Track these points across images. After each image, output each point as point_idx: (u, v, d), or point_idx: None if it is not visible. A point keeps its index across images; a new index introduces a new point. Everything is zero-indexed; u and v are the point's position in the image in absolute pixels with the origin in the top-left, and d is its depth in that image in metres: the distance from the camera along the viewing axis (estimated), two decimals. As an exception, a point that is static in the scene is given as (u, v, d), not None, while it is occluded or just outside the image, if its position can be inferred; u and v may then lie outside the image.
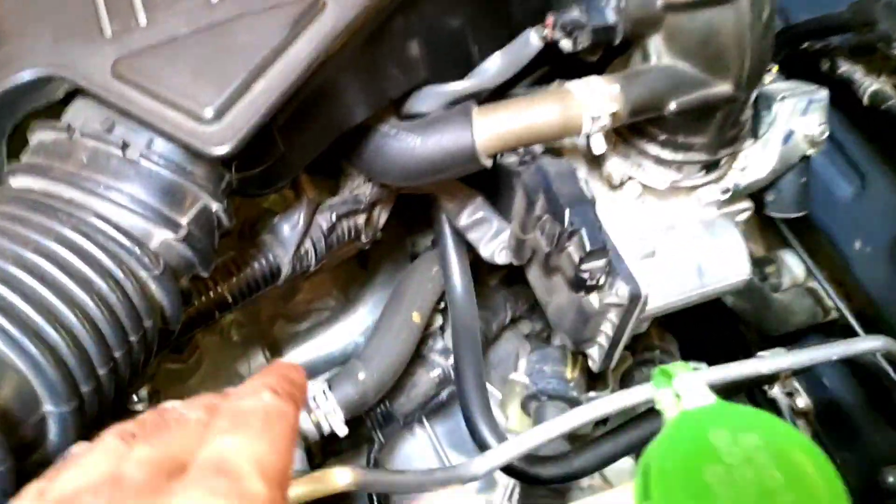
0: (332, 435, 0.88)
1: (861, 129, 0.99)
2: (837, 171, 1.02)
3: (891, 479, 1.07)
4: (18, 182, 0.59)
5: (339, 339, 1.00)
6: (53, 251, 0.53)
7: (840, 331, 1.12)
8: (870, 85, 0.92)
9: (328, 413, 0.88)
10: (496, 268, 1.11)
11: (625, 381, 1.12)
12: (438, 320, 1.04)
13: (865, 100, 0.92)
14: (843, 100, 0.96)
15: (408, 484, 0.63)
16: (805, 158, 0.88)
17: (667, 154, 0.80)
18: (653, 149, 0.80)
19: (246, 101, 0.58)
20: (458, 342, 0.88)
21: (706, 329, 1.13)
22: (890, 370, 0.94)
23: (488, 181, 0.86)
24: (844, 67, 0.95)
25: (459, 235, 0.88)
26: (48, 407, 0.51)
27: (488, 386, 0.98)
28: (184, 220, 0.59)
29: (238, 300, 0.73)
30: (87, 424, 0.53)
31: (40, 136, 0.62)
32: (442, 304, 1.02)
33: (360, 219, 0.78)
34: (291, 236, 0.73)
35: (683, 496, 0.39)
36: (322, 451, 0.96)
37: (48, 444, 0.52)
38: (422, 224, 1.09)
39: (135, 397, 0.89)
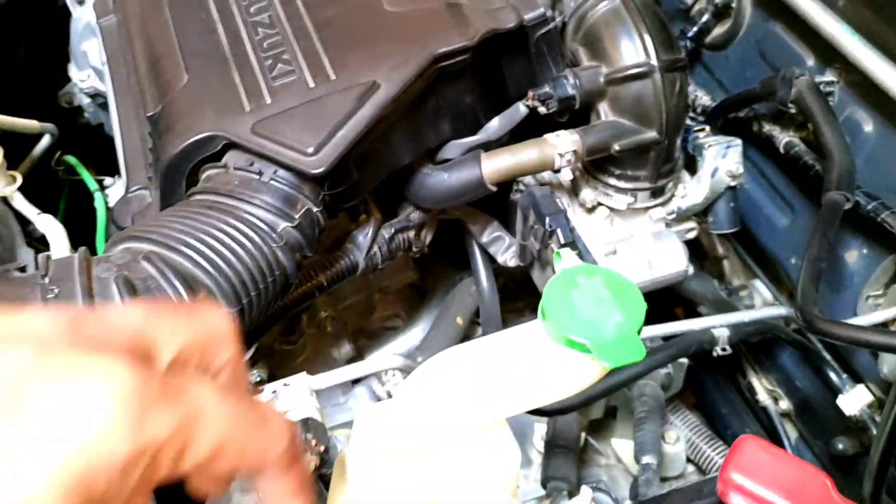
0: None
1: (787, 173, 1.33)
2: (776, 207, 1.35)
3: (839, 446, 1.34)
4: (198, 197, 0.98)
5: (405, 345, 1.35)
6: (225, 229, 0.91)
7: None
8: (783, 138, 1.27)
9: (397, 384, 1.22)
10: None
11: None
12: (478, 331, 1.38)
13: (781, 149, 1.27)
14: (773, 152, 1.30)
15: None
16: (731, 188, 1.22)
17: (622, 183, 1.15)
18: (612, 180, 1.16)
19: (332, 143, 0.96)
20: (485, 325, 1.22)
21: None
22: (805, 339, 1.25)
23: (502, 211, 1.22)
24: (767, 127, 1.30)
25: (483, 249, 1.23)
26: (225, 309, 0.88)
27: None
28: (297, 216, 0.96)
29: (331, 285, 1.10)
30: (247, 326, 0.90)
31: (208, 172, 1.01)
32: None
33: (411, 234, 1.15)
34: (364, 242, 1.11)
35: (559, 308, 0.73)
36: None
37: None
38: (465, 264, 1.45)
39: (256, 376, 1.26)
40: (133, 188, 1.15)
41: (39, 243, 1.15)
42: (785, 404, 1.52)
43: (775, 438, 1.51)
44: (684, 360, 1.34)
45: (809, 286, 1.03)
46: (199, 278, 0.87)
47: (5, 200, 1.12)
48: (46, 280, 0.84)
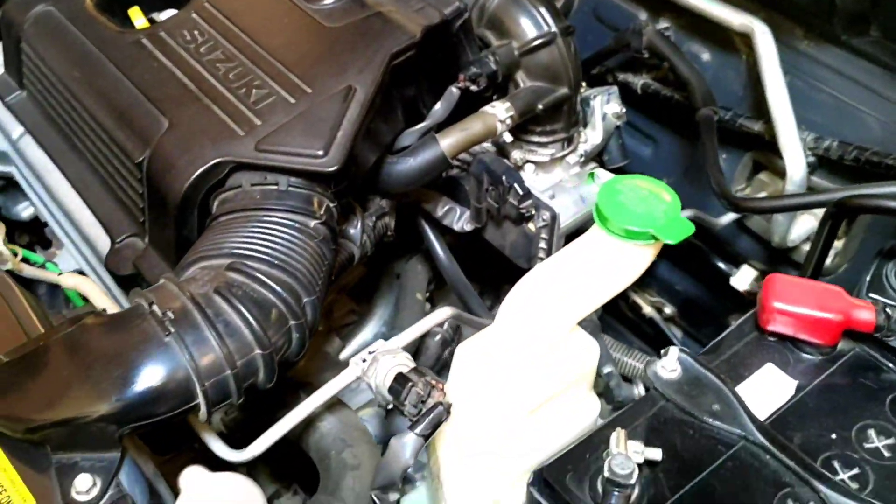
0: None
1: (644, 111, 1.59)
2: (639, 141, 1.62)
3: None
4: (228, 217, 1.06)
5: (371, 334, 1.48)
6: (277, 232, 1.01)
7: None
8: (638, 81, 1.53)
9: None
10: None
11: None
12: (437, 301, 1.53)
13: (639, 90, 1.53)
14: (629, 95, 1.56)
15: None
16: (617, 128, 1.46)
17: (543, 139, 1.36)
18: (535, 138, 1.36)
19: (336, 142, 1.08)
20: (455, 287, 1.38)
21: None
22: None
23: (448, 189, 1.38)
24: (621, 76, 1.56)
25: (435, 225, 1.39)
26: (305, 298, 0.98)
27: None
28: (320, 212, 1.07)
29: (336, 279, 1.21)
30: (320, 312, 1.00)
31: (222, 196, 1.09)
32: (427, 294, 1.51)
33: (385, 220, 1.29)
34: (356, 234, 1.23)
35: (614, 210, 0.91)
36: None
37: (309, 323, 0.98)
38: (399, 259, 1.57)
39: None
40: (119, 238, 1.20)
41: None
42: (669, 310, 1.80)
43: (664, 340, 1.78)
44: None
45: (720, 178, 1.28)
46: (281, 277, 0.97)
47: (13, 273, 1.13)
48: (155, 307, 0.91)
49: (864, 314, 0.92)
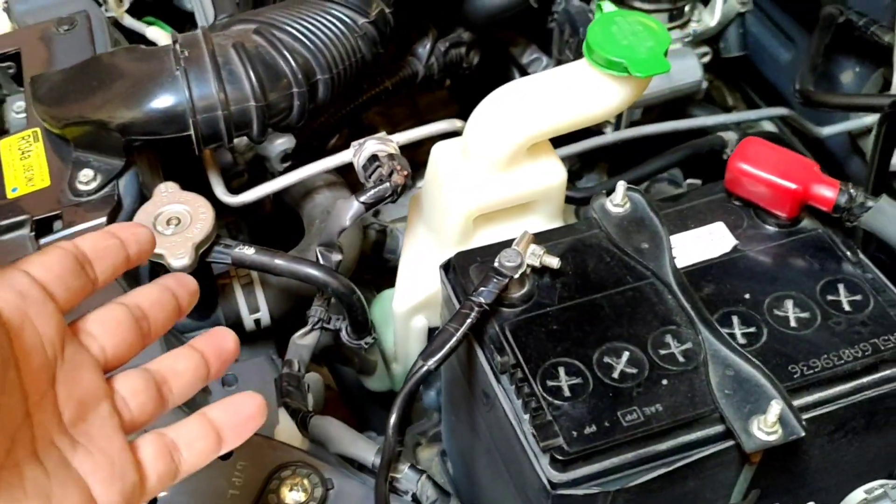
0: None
1: (787, 9, 1.50)
2: (778, 43, 1.53)
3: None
4: (289, -1, 1.16)
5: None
6: (318, 17, 1.09)
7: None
8: (784, -27, 1.45)
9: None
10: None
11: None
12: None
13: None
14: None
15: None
16: (740, 14, 1.40)
17: (645, 6, 1.33)
18: (636, 3, 1.34)
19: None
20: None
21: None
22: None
23: (538, 39, 1.40)
24: (770, -33, 1.48)
25: (522, 72, 1.41)
26: (318, 76, 1.06)
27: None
28: (373, 14, 1.14)
29: (395, 90, 1.28)
30: (335, 93, 1.08)
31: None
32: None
33: (462, 50, 1.33)
34: (423, 53, 1.29)
35: (601, 39, 0.91)
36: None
37: (319, 99, 1.07)
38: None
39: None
40: (221, 16, 1.33)
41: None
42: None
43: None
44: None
45: (808, 73, 1.21)
46: (299, 50, 1.06)
47: (116, 21, 1.30)
48: (178, 46, 1.03)
49: (826, 190, 0.87)
